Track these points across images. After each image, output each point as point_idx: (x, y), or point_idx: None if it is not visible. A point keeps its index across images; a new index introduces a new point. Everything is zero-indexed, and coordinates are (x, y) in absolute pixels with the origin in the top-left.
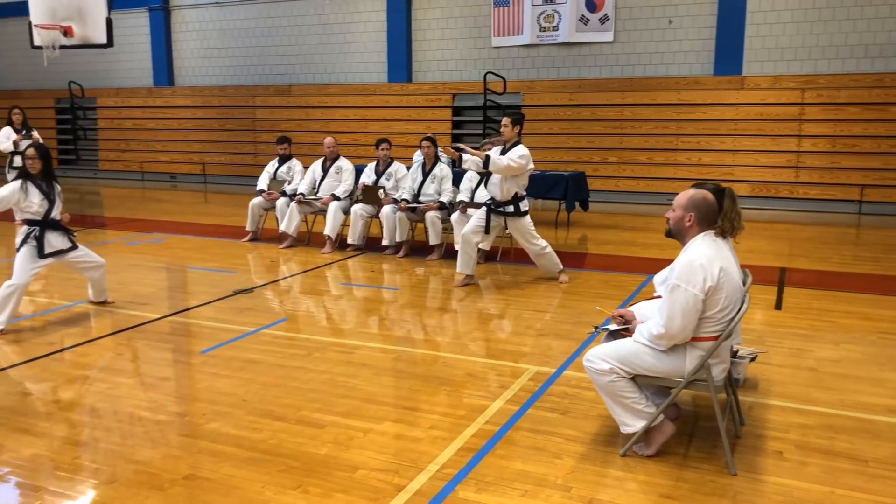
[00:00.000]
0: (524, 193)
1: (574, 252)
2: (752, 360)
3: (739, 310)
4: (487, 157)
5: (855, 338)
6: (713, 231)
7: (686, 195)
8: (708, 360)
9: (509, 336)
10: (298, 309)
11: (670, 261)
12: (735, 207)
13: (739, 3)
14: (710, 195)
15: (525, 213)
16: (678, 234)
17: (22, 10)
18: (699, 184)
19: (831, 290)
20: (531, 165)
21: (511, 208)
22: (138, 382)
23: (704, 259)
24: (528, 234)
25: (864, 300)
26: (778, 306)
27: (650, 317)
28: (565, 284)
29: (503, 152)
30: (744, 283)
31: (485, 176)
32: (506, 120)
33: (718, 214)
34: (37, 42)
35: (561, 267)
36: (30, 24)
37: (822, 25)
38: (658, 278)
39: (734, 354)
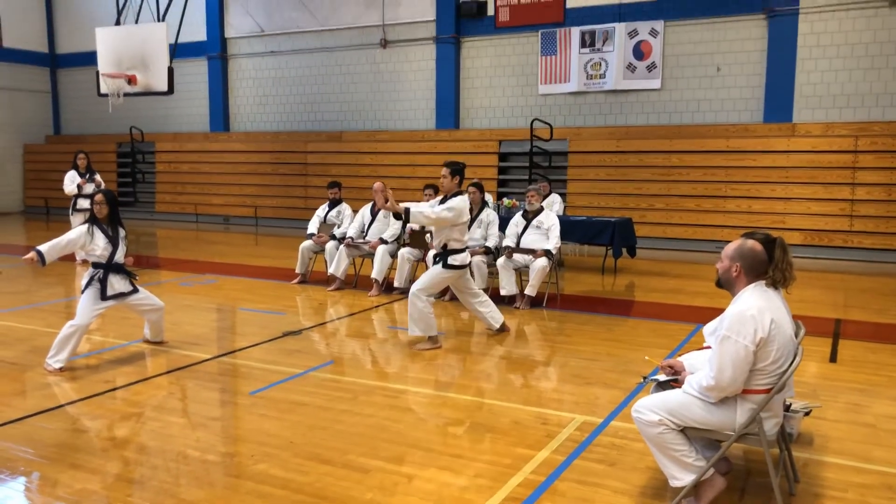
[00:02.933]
0: (460, 248)
1: (621, 299)
2: (807, 414)
3: (792, 362)
4: (407, 210)
5: None
6: (764, 281)
7: (733, 245)
8: (760, 413)
9: (555, 384)
10: (345, 352)
11: (720, 310)
12: (786, 258)
13: (789, 50)
14: (758, 245)
15: (450, 266)
16: (727, 285)
17: (88, 60)
18: (749, 234)
19: (890, 344)
20: (464, 218)
21: (439, 259)
22: (189, 422)
23: (755, 310)
24: (425, 281)
25: None
26: (833, 359)
27: (700, 367)
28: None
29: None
30: (796, 335)
31: (526, 225)
32: (444, 171)
33: (768, 265)
34: (103, 90)
35: (430, 340)
36: (97, 73)
37: (876, 73)
38: (708, 329)
39: (787, 408)
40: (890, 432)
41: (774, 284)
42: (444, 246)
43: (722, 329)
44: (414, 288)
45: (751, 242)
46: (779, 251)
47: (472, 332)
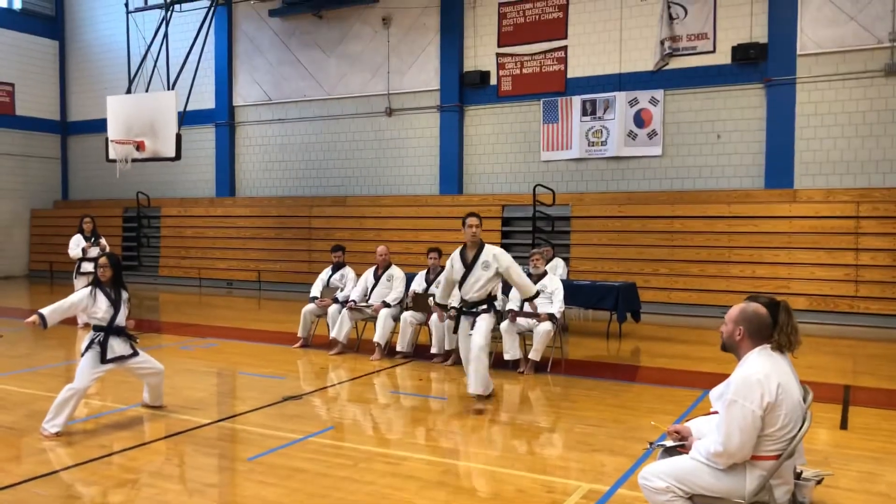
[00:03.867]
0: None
1: (627, 364)
2: (819, 482)
3: (801, 427)
4: (537, 293)
5: None
6: (770, 345)
7: (737, 308)
8: (769, 480)
9: (560, 451)
10: (346, 417)
11: (726, 375)
12: (791, 321)
13: (788, 118)
14: (761, 308)
15: (498, 311)
16: (732, 349)
17: (98, 127)
18: (753, 297)
19: None
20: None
21: (485, 306)
22: (185, 488)
23: (762, 374)
24: (485, 334)
25: None
26: (843, 426)
27: (707, 433)
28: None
29: (474, 256)
30: (804, 400)
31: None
32: (476, 220)
33: (772, 328)
34: (111, 156)
35: (488, 398)
36: (106, 139)
37: (874, 140)
38: (714, 393)
39: (798, 476)
40: None
41: (780, 348)
42: (489, 295)
43: (729, 394)
44: (480, 344)
45: (754, 305)
46: (783, 315)
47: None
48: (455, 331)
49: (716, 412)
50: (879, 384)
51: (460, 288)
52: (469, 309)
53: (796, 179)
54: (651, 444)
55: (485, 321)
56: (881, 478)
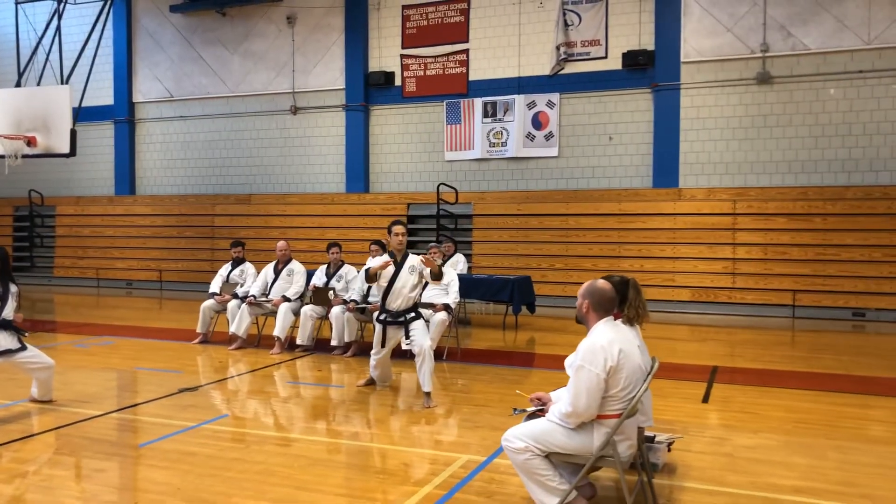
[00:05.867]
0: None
1: (519, 352)
2: (670, 445)
3: (640, 389)
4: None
5: (772, 427)
6: (619, 318)
7: (585, 284)
8: (614, 436)
9: (448, 429)
10: (242, 406)
11: None
12: (639, 298)
13: (673, 121)
14: (606, 285)
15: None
16: (582, 320)
17: None
18: (608, 276)
19: (758, 386)
20: None
21: (416, 317)
22: (73, 475)
23: (605, 341)
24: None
25: (788, 394)
26: (705, 400)
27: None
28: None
29: (401, 262)
30: (651, 368)
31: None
32: (404, 229)
33: (616, 303)
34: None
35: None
36: None
37: (749, 143)
38: (567, 361)
39: (652, 440)
40: (745, 460)
41: (630, 321)
42: (416, 304)
43: (577, 360)
44: (430, 344)
45: (601, 282)
46: (632, 291)
47: (374, 385)
48: (383, 344)
49: None
50: (743, 364)
51: (385, 296)
52: (395, 319)
53: (681, 179)
54: (515, 409)
55: (421, 323)
56: (729, 441)
